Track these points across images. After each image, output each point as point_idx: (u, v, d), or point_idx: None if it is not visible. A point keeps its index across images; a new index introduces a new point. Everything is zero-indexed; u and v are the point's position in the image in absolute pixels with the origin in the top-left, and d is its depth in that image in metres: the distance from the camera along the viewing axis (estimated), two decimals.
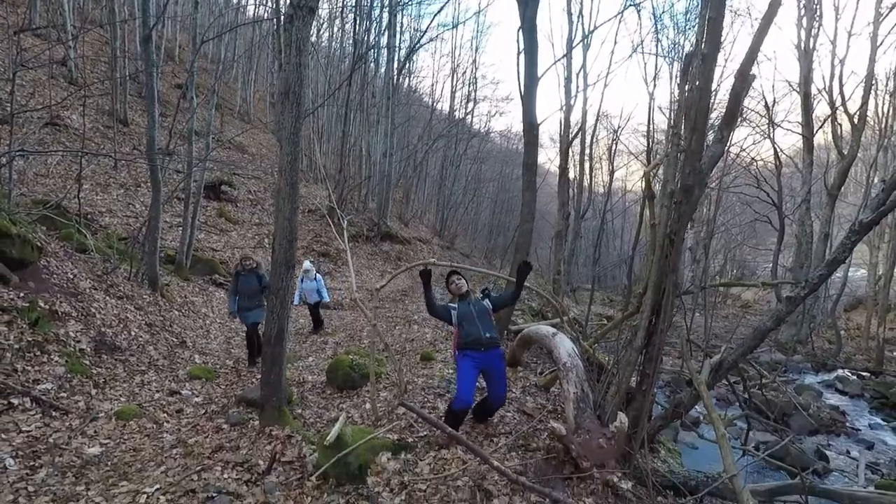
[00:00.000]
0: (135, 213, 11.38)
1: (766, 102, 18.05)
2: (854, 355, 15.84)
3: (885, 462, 7.15)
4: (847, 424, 8.73)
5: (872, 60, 14.49)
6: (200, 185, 11.45)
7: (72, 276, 6.45)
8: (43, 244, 6.29)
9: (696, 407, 8.08)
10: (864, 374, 12.70)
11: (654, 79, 18.32)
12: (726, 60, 17.85)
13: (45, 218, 7.76)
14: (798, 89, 16.89)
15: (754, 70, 3.60)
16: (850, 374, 12.56)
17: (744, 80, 3.57)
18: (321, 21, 25.18)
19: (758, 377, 7.51)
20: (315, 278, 8.84)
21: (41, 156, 11.37)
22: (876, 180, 17.98)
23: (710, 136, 4.03)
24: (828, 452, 7.11)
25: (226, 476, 3.52)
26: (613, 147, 23.38)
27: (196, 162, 10.42)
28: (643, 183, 4.90)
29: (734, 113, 3.88)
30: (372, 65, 23.05)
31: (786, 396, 7.97)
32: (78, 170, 9.68)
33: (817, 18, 15.78)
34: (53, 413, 4.20)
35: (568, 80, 14.75)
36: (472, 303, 4.28)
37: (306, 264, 9.02)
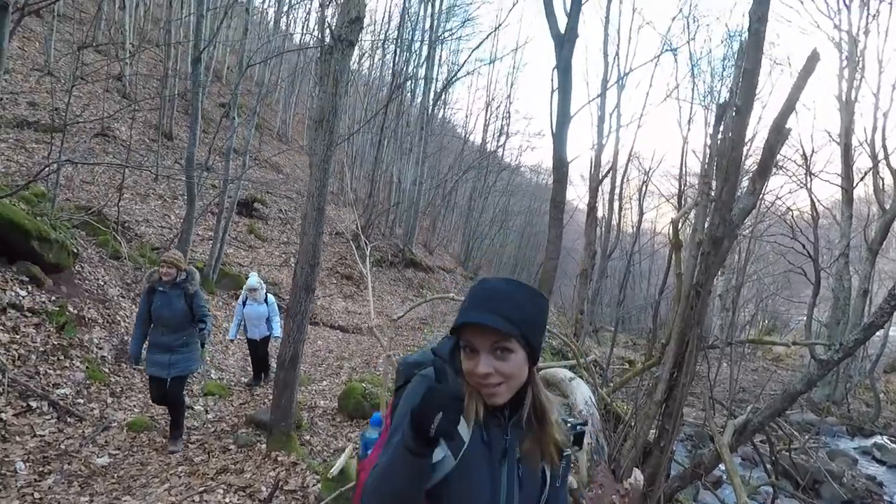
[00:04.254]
0: (169, 224, 11.72)
1: (803, 152, 17.65)
2: (894, 421, 14.93)
3: None
4: (885, 497, 8.16)
5: None
6: (234, 202, 11.81)
7: (102, 283, 6.64)
8: (79, 250, 6.52)
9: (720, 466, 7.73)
10: None
11: (689, 122, 18.23)
12: (763, 107, 17.67)
13: (86, 223, 8.15)
14: (838, 140, 16.47)
15: (791, 121, 3.53)
16: (888, 442, 11.79)
17: (779, 133, 3.50)
18: (363, 51, 26.01)
19: (787, 439, 7.13)
20: (266, 301, 6.35)
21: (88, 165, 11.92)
22: None
23: (744, 186, 3.95)
24: None
25: (227, 500, 3.48)
26: (644, 188, 23.12)
27: (232, 179, 10.77)
28: (670, 230, 4.79)
29: (768, 166, 3.79)
30: (408, 94, 23.60)
31: (817, 462, 7.51)
32: (121, 180, 10.12)
33: (860, 70, 15.44)
34: (68, 419, 4.27)
35: (601, 119, 14.78)
36: None
37: (252, 280, 6.45)
